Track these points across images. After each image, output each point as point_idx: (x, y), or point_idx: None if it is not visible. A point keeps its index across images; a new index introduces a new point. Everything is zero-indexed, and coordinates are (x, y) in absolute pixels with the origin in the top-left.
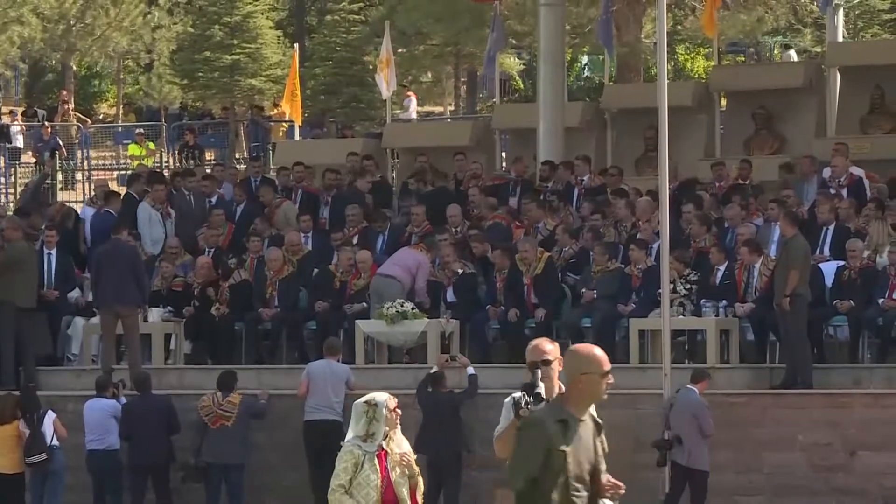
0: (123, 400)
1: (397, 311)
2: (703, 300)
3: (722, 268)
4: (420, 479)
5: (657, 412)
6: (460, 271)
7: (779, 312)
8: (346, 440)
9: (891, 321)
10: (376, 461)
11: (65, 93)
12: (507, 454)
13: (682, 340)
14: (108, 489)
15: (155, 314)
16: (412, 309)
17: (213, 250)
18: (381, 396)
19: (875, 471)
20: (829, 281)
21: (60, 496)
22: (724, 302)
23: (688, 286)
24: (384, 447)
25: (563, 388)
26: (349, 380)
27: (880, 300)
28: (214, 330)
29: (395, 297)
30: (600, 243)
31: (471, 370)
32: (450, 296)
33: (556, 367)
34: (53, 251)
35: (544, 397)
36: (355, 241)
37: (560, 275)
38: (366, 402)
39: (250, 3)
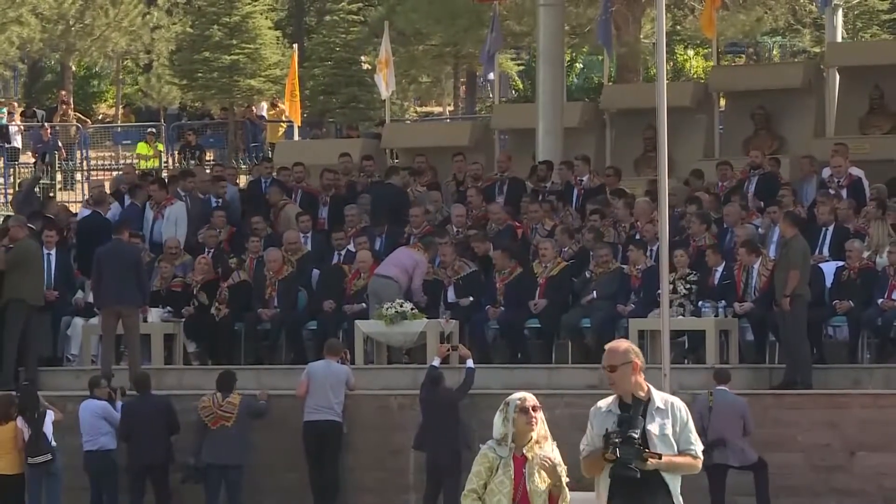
0: (119, 405)
1: (397, 312)
2: (701, 301)
3: (720, 268)
4: (565, 490)
5: None
6: (463, 273)
7: (778, 313)
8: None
9: (890, 321)
10: (511, 466)
11: (63, 93)
12: (592, 475)
13: (681, 341)
14: (104, 490)
15: (154, 314)
16: (411, 309)
17: (212, 251)
18: (515, 395)
19: (875, 471)
20: (828, 281)
21: (59, 497)
22: (723, 302)
23: (687, 286)
24: (524, 452)
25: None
26: (349, 380)
27: (879, 300)
28: (214, 330)
29: (393, 297)
30: (603, 244)
31: (470, 363)
32: (450, 296)
33: (632, 369)
34: (53, 251)
35: (637, 440)
36: (360, 240)
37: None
38: (505, 400)
39: (249, 4)
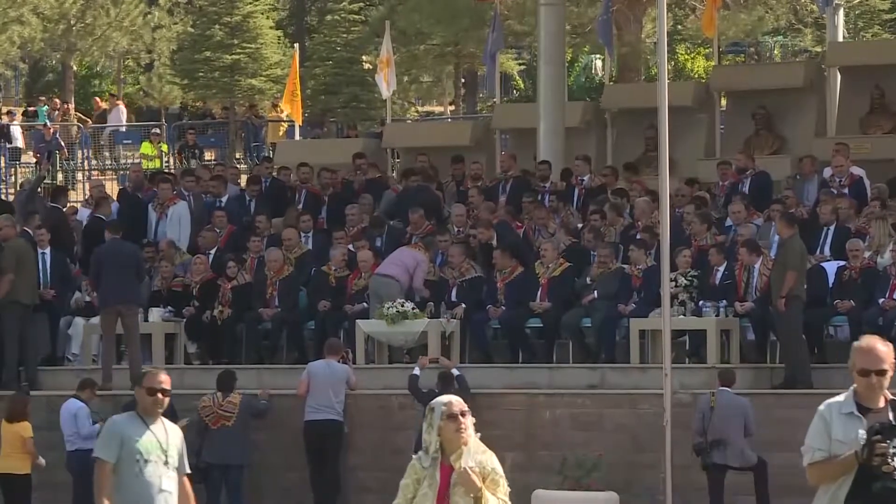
0: (98, 427)
1: (398, 311)
2: (702, 301)
3: (721, 268)
4: (487, 495)
5: (657, 412)
6: (467, 276)
7: (775, 313)
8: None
9: (891, 321)
10: (437, 479)
11: (57, 91)
12: (823, 483)
13: (682, 340)
14: (81, 490)
15: (155, 314)
16: (412, 309)
17: (213, 250)
18: (440, 399)
19: None
20: (829, 281)
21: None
22: (723, 302)
23: (689, 279)
24: (451, 462)
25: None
26: (349, 379)
27: (881, 300)
28: (215, 330)
29: (394, 296)
30: (604, 244)
31: (455, 371)
32: (453, 297)
33: (889, 377)
34: (47, 250)
35: None
36: (360, 242)
37: None
38: (429, 405)
39: (250, 3)
